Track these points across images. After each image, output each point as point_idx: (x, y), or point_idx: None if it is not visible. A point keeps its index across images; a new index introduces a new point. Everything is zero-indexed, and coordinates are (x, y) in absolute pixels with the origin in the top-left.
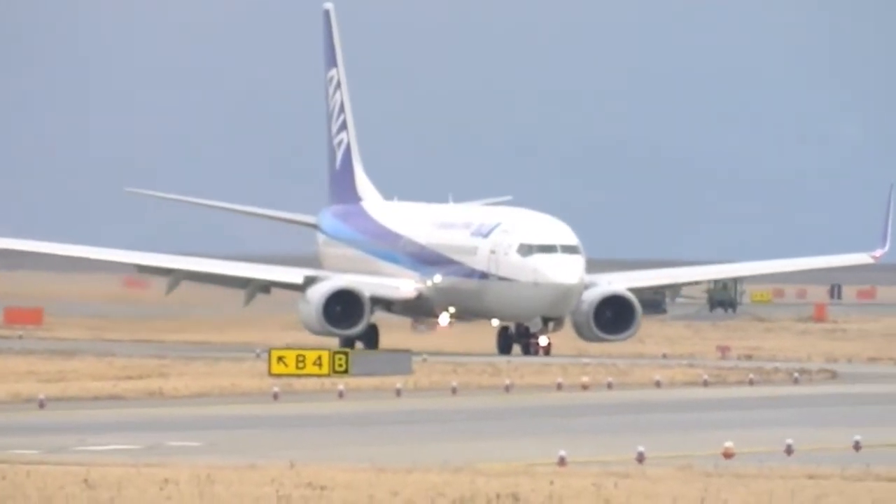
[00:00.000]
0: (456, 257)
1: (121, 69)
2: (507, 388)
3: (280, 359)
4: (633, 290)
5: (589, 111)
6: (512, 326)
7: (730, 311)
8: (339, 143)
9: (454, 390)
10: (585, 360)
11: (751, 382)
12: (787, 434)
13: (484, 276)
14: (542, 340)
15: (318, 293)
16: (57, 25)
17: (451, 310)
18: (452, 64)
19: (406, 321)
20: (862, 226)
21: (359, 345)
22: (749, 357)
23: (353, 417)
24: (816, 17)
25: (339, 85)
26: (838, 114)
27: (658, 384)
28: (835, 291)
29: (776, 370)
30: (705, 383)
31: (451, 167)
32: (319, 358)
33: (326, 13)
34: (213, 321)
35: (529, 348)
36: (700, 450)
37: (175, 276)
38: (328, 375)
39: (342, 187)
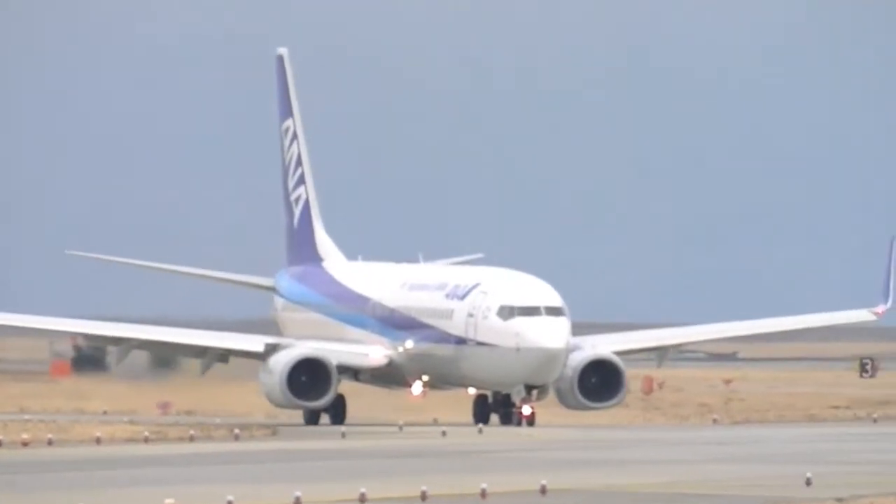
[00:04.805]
0: (429, 321)
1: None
2: None
3: None
4: (617, 353)
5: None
6: (490, 395)
7: None
8: (297, 198)
9: None
10: (27, 416)
11: (191, 439)
12: (228, 490)
13: (461, 340)
14: (526, 410)
15: (281, 362)
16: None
17: (425, 378)
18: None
19: (376, 389)
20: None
21: (324, 418)
22: (190, 413)
23: None
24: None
25: (295, 136)
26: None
27: (99, 441)
28: None
29: (218, 426)
30: (146, 440)
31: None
32: None
33: (280, 59)
34: None
35: (510, 418)
36: None
37: (125, 346)
38: None
39: (301, 247)
